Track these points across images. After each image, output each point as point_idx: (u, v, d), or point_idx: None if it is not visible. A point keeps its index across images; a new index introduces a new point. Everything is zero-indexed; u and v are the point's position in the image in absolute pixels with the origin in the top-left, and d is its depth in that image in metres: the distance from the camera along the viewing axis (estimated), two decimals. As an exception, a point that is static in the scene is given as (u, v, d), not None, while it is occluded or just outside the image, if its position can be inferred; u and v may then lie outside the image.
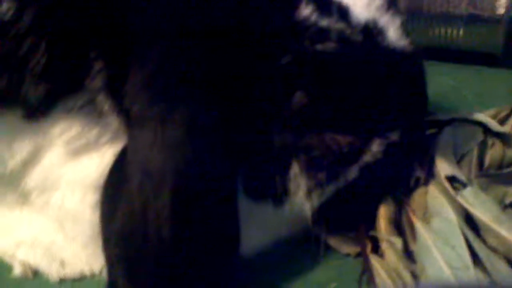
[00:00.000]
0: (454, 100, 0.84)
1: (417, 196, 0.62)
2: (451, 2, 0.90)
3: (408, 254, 0.58)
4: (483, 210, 0.58)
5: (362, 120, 0.57)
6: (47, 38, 0.51)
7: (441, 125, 0.70)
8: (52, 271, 0.61)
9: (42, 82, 0.52)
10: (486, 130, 0.69)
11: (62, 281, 0.60)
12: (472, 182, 0.62)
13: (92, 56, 0.52)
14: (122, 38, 0.52)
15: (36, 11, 0.51)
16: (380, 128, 0.58)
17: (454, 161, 0.64)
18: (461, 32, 0.91)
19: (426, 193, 0.62)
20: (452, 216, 0.59)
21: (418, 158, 0.63)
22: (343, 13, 0.56)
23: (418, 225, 0.59)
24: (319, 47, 0.54)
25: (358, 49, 0.56)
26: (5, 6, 0.50)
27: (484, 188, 0.62)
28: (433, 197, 0.61)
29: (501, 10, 0.89)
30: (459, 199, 0.59)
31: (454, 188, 0.61)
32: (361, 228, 0.61)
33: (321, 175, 0.57)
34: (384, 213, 0.61)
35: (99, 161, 0.54)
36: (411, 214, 0.60)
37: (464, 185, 0.61)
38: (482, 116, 0.70)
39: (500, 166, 0.66)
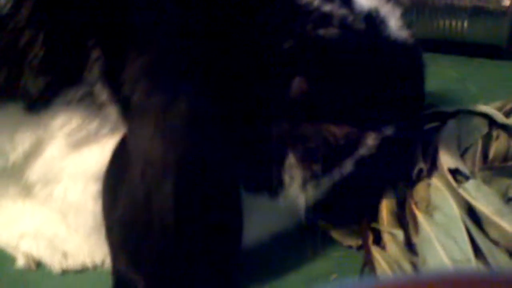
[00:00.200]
0: (458, 93, 0.84)
1: (420, 188, 0.62)
2: (456, -6, 0.90)
3: (410, 247, 0.58)
4: (485, 203, 0.58)
5: (359, 112, 0.57)
6: (45, 30, 0.51)
7: (445, 117, 0.70)
8: (55, 263, 0.61)
9: (41, 74, 0.52)
10: (491, 122, 0.69)
11: (64, 272, 0.60)
12: (476, 174, 0.62)
13: (90, 44, 0.52)
14: (120, 25, 0.52)
15: (34, 3, 0.51)
16: (376, 121, 0.58)
17: (457, 154, 0.64)
18: (465, 24, 0.90)
19: (429, 185, 0.62)
20: (454, 209, 0.58)
21: (413, 153, 0.63)
22: None
23: (421, 217, 0.59)
24: (321, 32, 0.54)
25: (360, 37, 0.55)
26: (3, 0, 0.51)
27: (487, 181, 0.61)
28: (436, 190, 0.61)
29: (506, 2, 0.88)
30: (461, 191, 0.59)
31: (458, 181, 0.61)
32: (363, 220, 0.61)
33: (317, 167, 0.57)
34: (386, 205, 0.61)
35: (99, 152, 0.54)
36: (413, 207, 0.60)
37: (467, 178, 0.61)
38: (487, 108, 0.70)
39: (505, 158, 0.66)
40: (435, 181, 0.62)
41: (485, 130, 0.68)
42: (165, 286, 0.53)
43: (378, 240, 0.60)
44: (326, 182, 0.58)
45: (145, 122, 0.50)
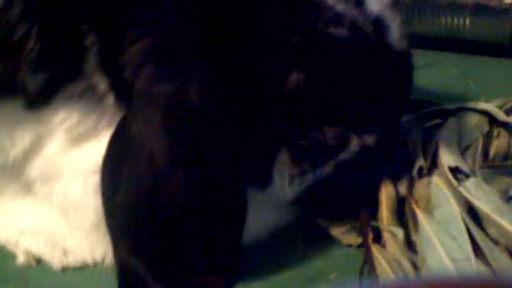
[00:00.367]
0: (460, 90, 0.83)
1: (420, 186, 0.62)
2: (458, -9, 0.90)
3: (410, 245, 0.58)
4: (485, 201, 0.58)
5: (350, 114, 0.57)
6: (40, 22, 0.50)
7: (446, 115, 0.70)
8: (55, 260, 0.61)
9: (39, 70, 0.52)
10: (492, 120, 0.69)
11: (65, 269, 0.60)
12: (476, 173, 0.62)
13: (84, 29, 0.51)
14: (116, 4, 0.51)
15: None
16: (362, 127, 0.58)
17: (458, 152, 0.64)
18: (467, 21, 0.90)
19: (429, 183, 0.62)
20: (454, 207, 0.58)
21: (414, 151, 0.63)
22: (359, 1, 0.56)
23: (421, 216, 0.59)
24: (332, 31, 0.54)
25: (367, 41, 0.55)
26: None
27: (488, 180, 0.61)
28: (436, 188, 0.61)
29: (508, 0, 0.88)
30: (461, 190, 0.59)
31: (458, 179, 0.60)
32: (363, 218, 0.61)
33: (306, 165, 0.57)
34: (386, 203, 0.61)
35: (98, 146, 0.54)
36: (413, 205, 0.60)
37: (467, 176, 0.61)
38: (488, 106, 0.70)
39: (506, 157, 0.66)
40: (436, 179, 0.62)
41: (486, 128, 0.68)
42: (167, 271, 0.53)
43: (378, 239, 0.60)
44: (309, 180, 0.59)
45: (152, 111, 0.49)
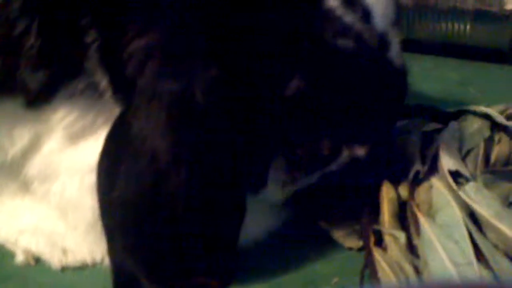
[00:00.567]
0: (460, 96, 0.84)
1: (422, 190, 0.62)
2: (459, -3, 0.90)
3: (412, 249, 0.58)
4: (485, 206, 0.58)
5: (346, 126, 0.57)
6: (39, 18, 0.50)
7: (446, 118, 0.70)
8: (54, 259, 0.60)
9: (40, 67, 0.51)
10: (493, 125, 0.69)
11: (64, 268, 0.60)
12: (477, 178, 0.62)
13: (85, 24, 0.50)
14: (116, 2, 0.50)
15: None
16: (354, 138, 0.58)
17: (458, 156, 0.64)
18: (468, 27, 0.91)
19: (430, 187, 0.62)
20: (456, 211, 0.58)
21: (412, 155, 0.64)
22: (366, 14, 0.56)
23: (422, 219, 0.59)
24: (339, 42, 0.54)
25: (371, 55, 0.56)
26: None
27: (489, 184, 0.61)
28: (437, 192, 0.61)
29: (509, 6, 0.88)
30: (461, 194, 0.59)
31: (459, 183, 0.60)
32: (364, 221, 0.61)
33: (298, 173, 0.58)
34: (388, 207, 0.61)
35: (95, 144, 0.53)
36: (415, 209, 0.60)
37: (468, 181, 0.61)
38: (489, 111, 0.70)
39: (507, 162, 0.66)
40: (437, 183, 0.62)
41: (487, 133, 0.68)
42: (163, 271, 0.52)
43: (379, 242, 0.59)
44: (297, 186, 0.59)
45: (155, 108, 0.49)
